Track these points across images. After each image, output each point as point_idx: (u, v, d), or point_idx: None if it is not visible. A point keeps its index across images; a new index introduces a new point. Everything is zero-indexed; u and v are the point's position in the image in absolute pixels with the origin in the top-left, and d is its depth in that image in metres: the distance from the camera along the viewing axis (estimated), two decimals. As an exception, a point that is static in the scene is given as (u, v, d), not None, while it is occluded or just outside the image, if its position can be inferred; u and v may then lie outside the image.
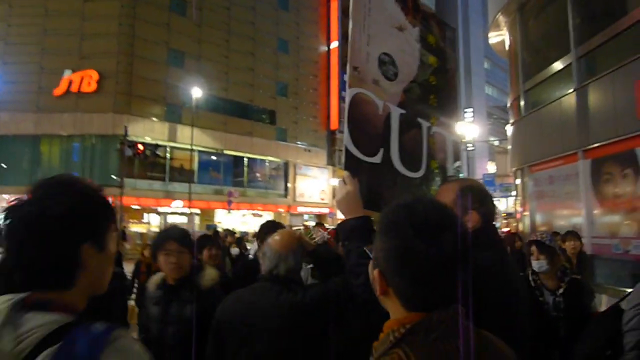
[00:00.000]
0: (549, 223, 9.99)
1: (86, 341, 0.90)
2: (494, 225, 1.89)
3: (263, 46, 35.64)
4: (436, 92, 2.66)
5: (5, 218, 1.02)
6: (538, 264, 3.36)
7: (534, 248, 3.43)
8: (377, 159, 2.19)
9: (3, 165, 28.28)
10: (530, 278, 3.43)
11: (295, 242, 2.12)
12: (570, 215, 9.33)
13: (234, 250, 8.57)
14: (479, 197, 1.77)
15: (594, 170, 8.36)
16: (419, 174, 2.40)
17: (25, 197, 1.05)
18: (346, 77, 2.25)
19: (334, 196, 40.61)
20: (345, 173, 1.95)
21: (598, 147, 8.15)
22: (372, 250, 1.12)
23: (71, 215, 1.02)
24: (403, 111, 2.40)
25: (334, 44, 39.92)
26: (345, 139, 2.08)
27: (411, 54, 2.56)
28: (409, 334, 0.92)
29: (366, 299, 1.68)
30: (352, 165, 2.04)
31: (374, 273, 1.02)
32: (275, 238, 2.13)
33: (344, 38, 42.36)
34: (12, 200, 1.05)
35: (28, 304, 0.95)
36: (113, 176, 26.76)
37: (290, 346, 1.90)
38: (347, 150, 2.06)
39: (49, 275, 1.00)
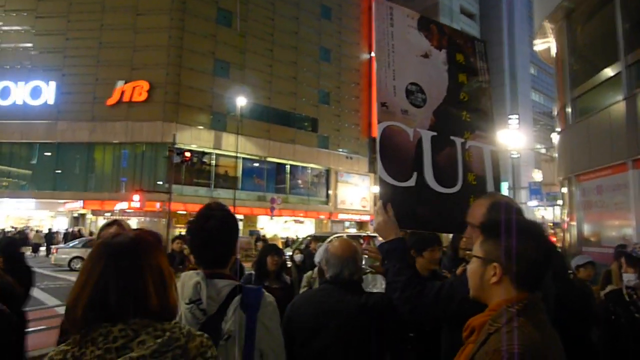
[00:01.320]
0: (597, 234, 9.74)
1: (255, 292, 1.70)
2: None
3: (305, 55, 36.23)
4: (468, 107, 2.78)
5: (198, 227, 1.75)
6: (626, 276, 3.26)
7: (622, 260, 3.34)
8: (411, 182, 2.38)
9: (58, 171, 29.89)
10: (625, 292, 3.29)
11: (355, 248, 2.37)
12: (620, 227, 9.08)
13: (298, 257, 8.89)
14: (506, 211, 1.92)
15: (644, 181, 8.14)
16: (456, 188, 2.55)
17: (200, 215, 1.78)
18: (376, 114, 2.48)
19: (375, 203, 40.44)
20: (379, 203, 2.16)
21: (649, 157, 7.93)
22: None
23: (237, 223, 1.83)
24: (434, 133, 2.57)
25: (376, 52, 39.99)
26: (379, 170, 2.30)
27: (439, 76, 2.71)
28: (525, 307, 1.27)
29: (403, 310, 1.91)
30: (387, 193, 2.25)
31: (490, 266, 1.35)
32: (336, 245, 2.37)
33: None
34: (194, 219, 1.80)
35: (208, 275, 1.66)
36: (159, 182, 27.81)
37: (351, 343, 2.14)
38: (381, 180, 2.27)
39: (223, 259, 1.75)
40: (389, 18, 2.61)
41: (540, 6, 12.26)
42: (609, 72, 9.22)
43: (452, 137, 2.66)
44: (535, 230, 1.37)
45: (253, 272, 4.32)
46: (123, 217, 28.33)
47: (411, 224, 2.41)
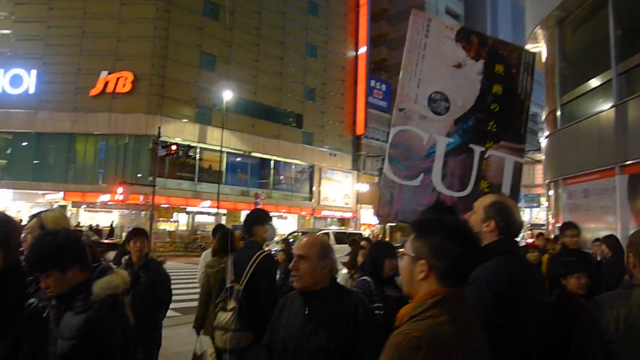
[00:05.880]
0: (582, 236, 10.01)
1: None
2: (513, 237, 2.13)
3: (292, 50, 36.13)
4: (497, 118, 2.84)
5: None
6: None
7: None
8: (415, 182, 2.54)
9: (36, 161, 29.21)
10: None
11: None
12: (605, 229, 9.33)
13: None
14: (500, 211, 2.07)
15: (630, 186, 8.41)
16: (463, 193, 2.67)
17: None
18: (392, 118, 2.60)
19: (357, 200, 40.53)
20: None
21: (636, 163, 8.19)
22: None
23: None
24: (451, 140, 2.69)
25: (362, 50, 40.10)
26: (385, 168, 2.46)
27: (469, 86, 2.79)
28: (442, 300, 1.35)
29: None
30: (389, 189, 2.44)
31: (418, 263, 1.43)
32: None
33: (372, 43, 42.46)
34: None
35: None
36: (139, 175, 27.40)
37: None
38: (385, 176, 2.40)
39: None
40: (424, 29, 2.70)
41: (533, 13, 12.50)
42: (599, 79, 9.46)
43: (470, 145, 2.75)
44: (461, 230, 1.45)
45: (367, 278, 3.17)
46: (104, 210, 28.03)
47: (409, 218, 2.52)
